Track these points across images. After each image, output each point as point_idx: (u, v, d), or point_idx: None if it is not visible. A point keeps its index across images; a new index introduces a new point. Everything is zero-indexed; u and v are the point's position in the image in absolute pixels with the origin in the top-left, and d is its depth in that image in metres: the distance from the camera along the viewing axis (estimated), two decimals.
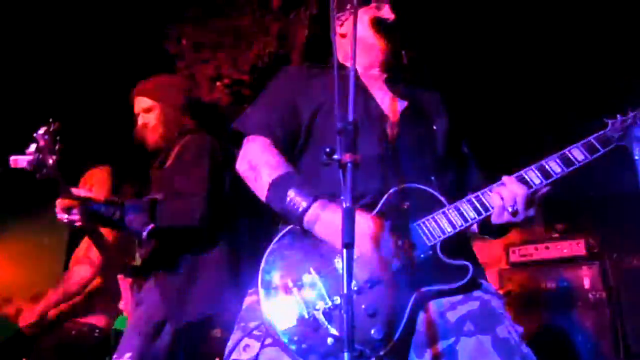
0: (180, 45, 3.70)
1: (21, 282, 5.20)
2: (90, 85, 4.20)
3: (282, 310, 1.51)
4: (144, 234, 2.20)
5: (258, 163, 1.74)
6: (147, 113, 2.62)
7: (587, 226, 4.60)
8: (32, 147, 1.96)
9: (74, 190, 2.17)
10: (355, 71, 1.52)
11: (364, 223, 1.54)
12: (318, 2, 3.65)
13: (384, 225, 1.58)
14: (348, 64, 1.85)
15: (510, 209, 1.58)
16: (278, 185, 1.65)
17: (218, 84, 3.75)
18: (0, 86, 4.23)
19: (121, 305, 2.62)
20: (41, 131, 1.99)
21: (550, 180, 1.63)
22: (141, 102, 2.64)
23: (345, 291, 1.17)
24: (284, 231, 1.65)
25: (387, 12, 1.90)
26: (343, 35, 1.99)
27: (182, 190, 2.31)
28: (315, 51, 3.70)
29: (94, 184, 3.44)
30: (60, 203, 2.15)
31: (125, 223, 2.20)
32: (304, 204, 1.57)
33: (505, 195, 1.60)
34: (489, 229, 1.72)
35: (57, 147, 2.01)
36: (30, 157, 1.94)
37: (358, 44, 1.78)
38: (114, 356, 2.22)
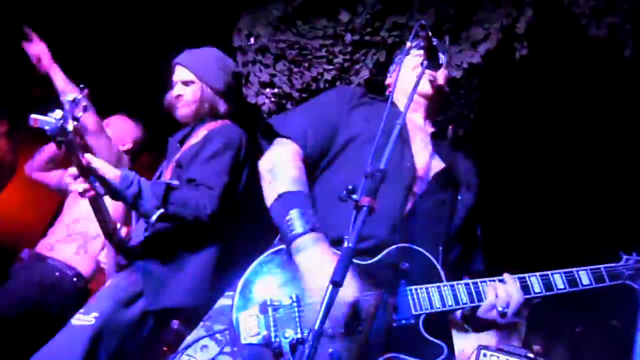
0: (247, 41, 3.76)
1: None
2: (147, 50, 4.28)
3: (252, 324, 1.49)
4: (153, 218, 2.17)
5: (279, 169, 1.73)
6: (186, 85, 2.58)
7: (563, 358, 4.53)
8: (58, 112, 1.88)
9: (89, 159, 2.10)
10: (395, 110, 1.53)
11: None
12: (388, 51, 3.70)
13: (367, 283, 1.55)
14: (399, 105, 1.88)
15: (500, 309, 1.57)
16: (285, 200, 1.65)
17: (267, 90, 3.80)
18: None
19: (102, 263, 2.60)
20: (70, 97, 1.93)
21: (550, 293, 1.63)
22: (182, 73, 2.60)
23: (316, 327, 1.16)
24: (279, 247, 1.64)
25: (440, 77, 1.93)
26: (389, 85, 2.02)
27: (200, 179, 2.27)
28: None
29: (115, 133, 3.44)
30: (71, 170, 2.11)
31: (138, 202, 2.16)
32: (300, 230, 1.56)
33: (501, 294, 1.59)
34: (471, 319, 1.70)
35: (80, 114, 1.95)
36: (52, 121, 1.86)
37: (406, 80, 1.81)
38: (81, 310, 2.18)
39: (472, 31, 3.53)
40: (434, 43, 1.79)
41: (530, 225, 4.74)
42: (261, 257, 1.63)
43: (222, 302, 1.77)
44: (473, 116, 3.77)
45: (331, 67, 3.72)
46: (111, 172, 2.12)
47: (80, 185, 2.10)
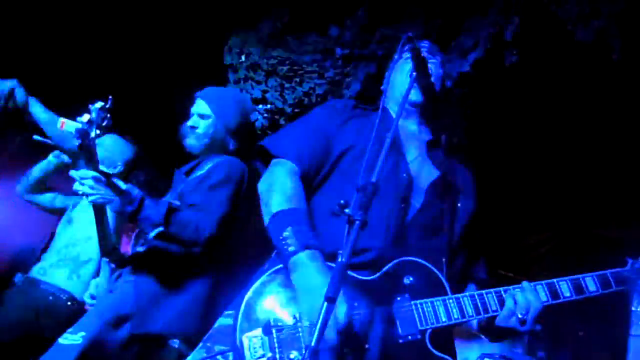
0: (238, 59, 3.78)
1: None
2: (140, 67, 4.29)
3: (256, 346, 1.47)
4: (151, 234, 2.19)
5: (275, 188, 1.72)
6: (201, 119, 2.64)
7: None
8: (85, 117, 2.02)
9: (101, 168, 2.18)
10: (395, 132, 1.52)
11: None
12: (378, 63, 3.73)
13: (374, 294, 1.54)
14: (392, 112, 1.87)
15: (520, 316, 1.55)
16: (279, 219, 1.63)
17: (260, 106, 3.82)
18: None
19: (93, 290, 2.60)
20: (97, 105, 2.05)
21: (556, 301, 1.61)
22: (201, 106, 2.66)
23: (313, 344, 1.14)
24: (280, 265, 1.62)
25: (431, 84, 1.87)
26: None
27: (201, 204, 2.32)
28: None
29: (105, 154, 3.42)
30: (82, 173, 2.14)
31: (139, 217, 2.18)
32: (292, 248, 1.54)
33: (520, 301, 1.57)
34: (488, 329, 1.68)
35: (105, 123, 2.07)
36: (79, 126, 1.99)
37: (396, 88, 1.81)
38: (69, 330, 2.18)
39: (461, 40, 3.56)
40: (424, 52, 1.78)
41: (527, 232, 4.76)
42: (262, 277, 1.61)
43: (222, 321, 1.75)
44: (466, 124, 3.79)
45: (323, 81, 3.75)
46: (119, 184, 2.17)
47: (86, 188, 2.13)
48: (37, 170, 3.57)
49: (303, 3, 3.69)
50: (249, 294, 1.58)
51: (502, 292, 1.61)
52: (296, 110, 3.80)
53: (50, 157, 3.55)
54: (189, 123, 2.65)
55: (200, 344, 1.70)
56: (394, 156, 1.77)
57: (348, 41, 3.67)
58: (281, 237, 1.58)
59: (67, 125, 2.04)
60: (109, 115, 2.08)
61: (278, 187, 1.72)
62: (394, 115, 1.79)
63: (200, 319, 2.26)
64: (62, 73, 4.30)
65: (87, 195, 2.15)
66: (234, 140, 2.67)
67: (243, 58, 3.76)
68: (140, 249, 2.31)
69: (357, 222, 1.28)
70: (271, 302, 1.56)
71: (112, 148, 3.40)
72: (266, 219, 1.69)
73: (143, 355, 2.25)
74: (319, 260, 1.53)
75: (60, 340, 2.16)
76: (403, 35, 1.68)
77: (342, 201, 1.33)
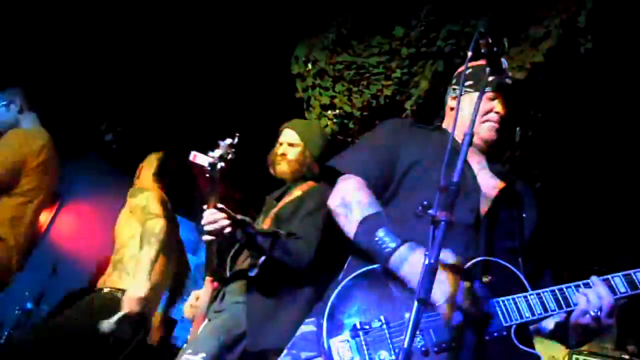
0: (305, 67, 3.85)
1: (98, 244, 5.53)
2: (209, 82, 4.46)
3: (344, 350, 1.51)
4: (260, 261, 2.40)
5: (351, 200, 1.77)
6: (291, 147, 2.86)
7: None
8: (217, 152, 2.23)
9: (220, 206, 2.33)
10: (454, 141, 1.53)
11: (446, 281, 1.51)
12: (445, 60, 3.68)
13: (465, 290, 1.54)
14: (450, 131, 1.87)
15: (592, 313, 1.54)
16: (368, 224, 1.68)
17: (329, 112, 3.87)
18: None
19: (193, 301, 2.74)
20: (227, 141, 2.26)
21: (636, 292, 1.58)
22: (289, 135, 2.89)
23: (405, 345, 1.17)
24: (362, 270, 1.65)
25: (497, 106, 1.89)
26: (452, 108, 2.01)
27: (299, 233, 2.51)
28: (430, 106, 3.73)
29: (144, 167, 3.67)
30: (209, 212, 2.31)
31: (252, 245, 2.40)
32: (393, 245, 1.58)
33: (592, 298, 1.55)
34: (561, 331, 1.68)
35: (230, 157, 2.26)
36: (210, 159, 2.20)
37: (462, 120, 1.81)
38: (188, 351, 2.32)
39: (531, 30, 3.45)
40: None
41: (604, 222, 4.54)
42: (345, 281, 1.64)
43: (304, 328, 1.80)
44: (541, 115, 3.68)
45: (390, 82, 3.75)
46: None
47: (214, 227, 2.30)
48: None
49: (366, 6, 3.70)
50: (332, 298, 1.61)
51: (582, 285, 1.59)
52: (365, 113, 3.82)
53: None
54: (279, 151, 2.86)
55: (285, 351, 1.76)
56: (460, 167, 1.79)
57: (413, 40, 3.65)
58: (376, 239, 1.61)
59: (199, 158, 2.20)
60: (234, 149, 2.26)
61: (354, 199, 1.76)
62: (457, 138, 1.75)
63: None
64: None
65: (212, 234, 2.33)
66: (318, 165, 2.83)
67: (310, 66, 3.83)
68: (251, 274, 2.46)
69: (443, 222, 1.29)
70: (356, 305, 1.59)
71: None
72: (351, 230, 1.72)
73: None
74: (420, 249, 1.57)
75: None
76: (472, 31, 1.68)
77: (425, 202, 1.34)
